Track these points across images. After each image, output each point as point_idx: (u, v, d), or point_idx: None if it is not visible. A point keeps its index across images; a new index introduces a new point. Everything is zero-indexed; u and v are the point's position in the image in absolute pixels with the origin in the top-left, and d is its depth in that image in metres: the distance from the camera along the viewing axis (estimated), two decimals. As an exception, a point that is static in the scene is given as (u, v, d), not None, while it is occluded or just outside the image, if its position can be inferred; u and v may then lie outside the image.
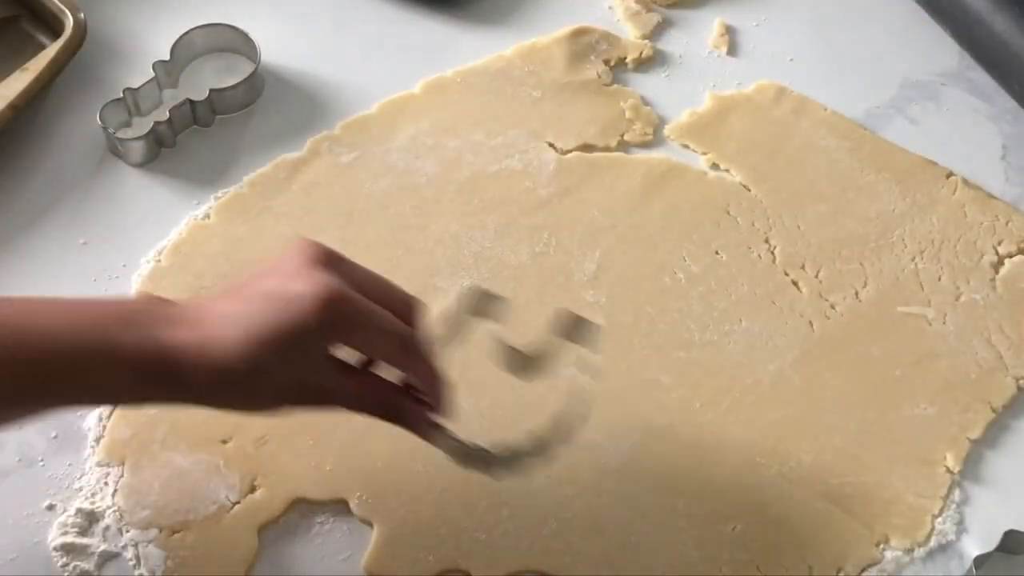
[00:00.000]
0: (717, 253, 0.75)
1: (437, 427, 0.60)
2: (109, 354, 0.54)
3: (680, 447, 0.68)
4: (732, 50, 0.85)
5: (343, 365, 0.59)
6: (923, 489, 0.68)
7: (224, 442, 0.66)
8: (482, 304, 0.63)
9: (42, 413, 0.57)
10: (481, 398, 0.66)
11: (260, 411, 0.58)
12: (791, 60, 0.85)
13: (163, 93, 0.78)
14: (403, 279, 0.72)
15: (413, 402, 0.60)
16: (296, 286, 0.55)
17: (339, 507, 0.65)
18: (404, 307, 0.60)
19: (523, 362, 0.63)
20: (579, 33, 0.84)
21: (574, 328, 0.63)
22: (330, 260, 0.58)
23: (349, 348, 0.58)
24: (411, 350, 0.58)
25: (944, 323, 0.73)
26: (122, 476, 0.65)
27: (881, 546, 0.66)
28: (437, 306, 0.71)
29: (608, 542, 0.65)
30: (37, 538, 0.63)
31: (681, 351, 0.71)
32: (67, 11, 0.76)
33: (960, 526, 0.67)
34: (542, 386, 0.63)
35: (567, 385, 0.64)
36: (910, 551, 0.66)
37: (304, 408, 0.59)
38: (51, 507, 0.64)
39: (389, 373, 0.60)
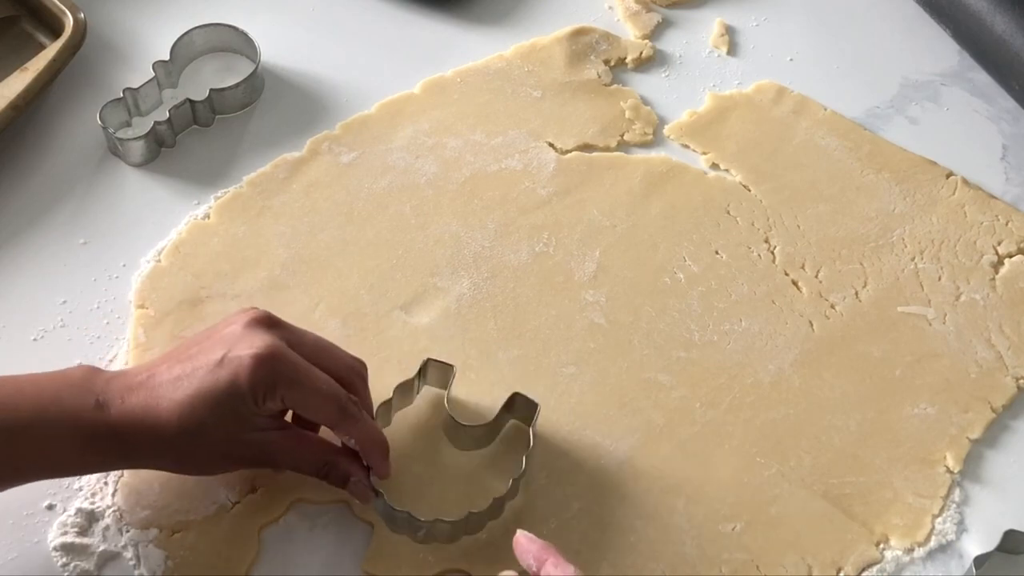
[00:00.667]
0: (717, 253, 0.75)
1: (373, 492, 0.62)
2: (72, 425, 0.57)
3: (680, 447, 0.68)
4: (732, 50, 0.85)
5: (283, 424, 0.61)
6: (923, 489, 0.68)
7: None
8: (435, 373, 0.66)
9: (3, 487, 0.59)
10: (426, 466, 0.66)
11: (202, 471, 0.62)
12: (791, 60, 0.85)
13: (163, 93, 0.78)
14: (403, 279, 0.73)
15: (353, 463, 0.62)
16: (236, 348, 0.58)
17: (339, 507, 0.65)
18: (347, 371, 0.62)
19: (468, 438, 0.66)
20: (579, 33, 0.84)
21: (524, 408, 0.66)
22: (272, 323, 0.60)
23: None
24: (348, 413, 0.60)
25: (944, 323, 0.73)
26: (122, 476, 0.65)
27: (881, 546, 0.66)
28: (438, 306, 0.72)
29: (608, 542, 0.65)
30: (37, 538, 0.63)
31: (681, 351, 0.71)
32: (67, 11, 0.76)
33: (960, 526, 0.67)
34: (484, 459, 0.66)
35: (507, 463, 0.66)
36: (910, 551, 0.66)
37: (246, 466, 0.62)
38: (51, 507, 0.64)
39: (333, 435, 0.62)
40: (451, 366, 0.66)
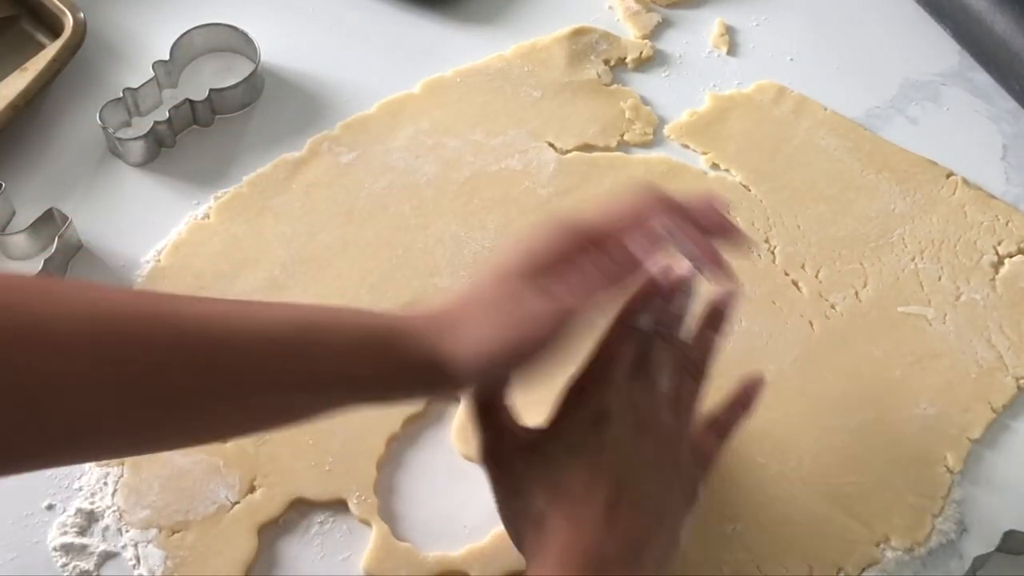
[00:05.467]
0: (717, 253, 0.75)
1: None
2: (399, 359, 0.54)
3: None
4: (732, 50, 0.85)
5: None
6: (923, 489, 0.67)
7: (224, 442, 0.66)
8: None
9: (321, 413, 0.55)
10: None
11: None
12: (791, 60, 0.85)
13: (163, 93, 0.78)
14: (403, 279, 0.73)
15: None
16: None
17: (338, 507, 0.65)
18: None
19: None
20: (579, 33, 0.84)
21: None
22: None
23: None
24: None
25: (944, 323, 0.73)
26: (122, 476, 0.65)
27: (881, 546, 0.66)
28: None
29: (608, 542, 0.64)
30: (37, 538, 0.63)
31: (681, 351, 0.71)
32: (67, 11, 0.77)
33: (960, 526, 0.67)
34: None
35: None
36: (910, 551, 0.66)
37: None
38: (51, 507, 0.64)
39: None
40: None
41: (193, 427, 0.53)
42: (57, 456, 0.52)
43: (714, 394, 0.69)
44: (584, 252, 0.56)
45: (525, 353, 0.54)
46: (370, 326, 0.54)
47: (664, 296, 0.60)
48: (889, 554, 0.66)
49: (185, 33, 0.79)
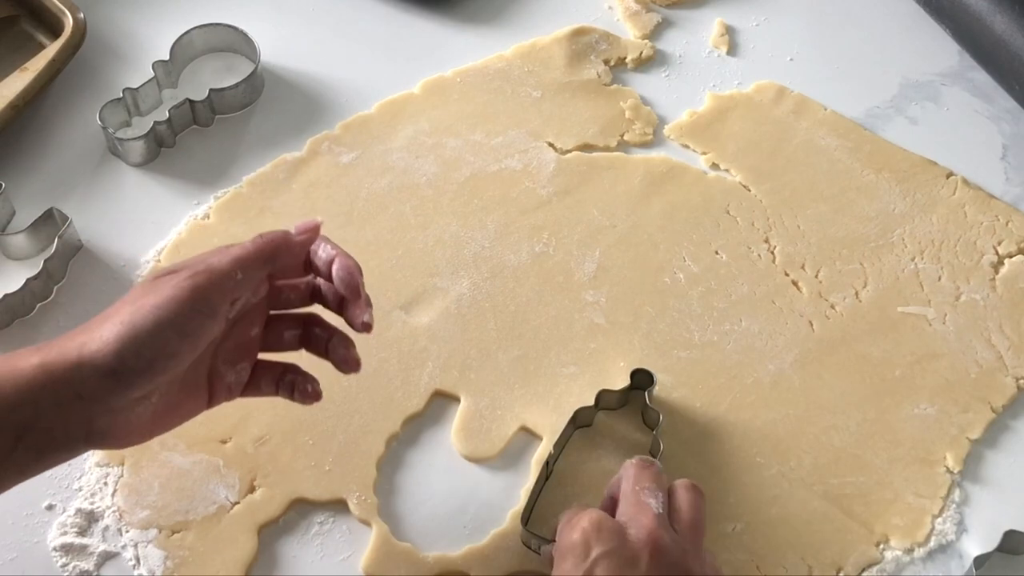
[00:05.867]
0: (717, 253, 0.75)
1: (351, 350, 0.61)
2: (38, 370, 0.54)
3: (680, 447, 0.68)
4: (732, 50, 0.85)
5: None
6: (923, 489, 0.67)
7: (223, 442, 0.66)
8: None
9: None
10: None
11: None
12: (791, 60, 0.85)
13: (163, 93, 0.78)
14: (403, 279, 0.73)
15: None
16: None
17: (338, 507, 0.65)
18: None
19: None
20: (579, 33, 0.84)
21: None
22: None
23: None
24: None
25: (944, 323, 0.73)
26: (121, 476, 0.65)
27: (881, 546, 0.66)
28: (438, 306, 0.72)
29: (608, 542, 0.64)
30: (37, 538, 0.63)
31: (681, 351, 0.71)
32: (67, 11, 0.77)
33: (960, 526, 0.67)
34: None
35: None
36: (910, 551, 0.66)
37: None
38: (51, 507, 0.64)
39: None
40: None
41: None
42: None
43: (715, 394, 0.70)
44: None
45: (159, 316, 0.54)
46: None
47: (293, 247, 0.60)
48: (889, 554, 0.66)
49: (185, 33, 0.79)
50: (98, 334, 0.54)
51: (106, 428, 0.55)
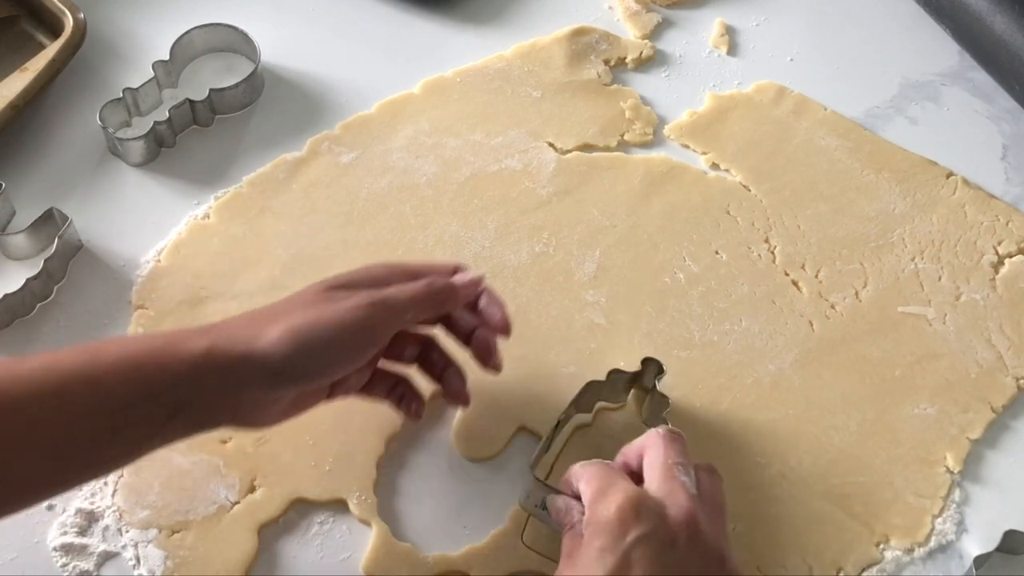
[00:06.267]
0: (717, 253, 0.75)
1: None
2: (206, 359, 0.56)
3: (680, 447, 0.68)
4: (732, 50, 0.85)
5: None
6: (923, 489, 0.67)
7: (224, 442, 0.66)
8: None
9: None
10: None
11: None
12: (791, 60, 0.85)
13: (163, 93, 0.78)
14: (403, 279, 0.72)
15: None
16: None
17: (338, 507, 0.65)
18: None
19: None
20: (579, 33, 0.84)
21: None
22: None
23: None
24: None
25: (944, 323, 0.73)
26: (122, 476, 0.65)
27: (881, 546, 0.66)
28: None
29: (608, 542, 0.64)
30: (37, 538, 0.63)
31: (681, 351, 0.71)
32: (67, 11, 0.77)
33: (960, 526, 0.67)
34: None
35: None
36: (910, 551, 0.66)
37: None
38: (51, 507, 0.64)
39: None
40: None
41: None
42: None
43: (715, 394, 0.70)
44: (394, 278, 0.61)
45: (333, 335, 0.57)
46: (160, 338, 0.57)
47: (459, 296, 0.63)
48: (889, 554, 0.66)
49: (185, 33, 0.79)
50: (269, 333, 0.56)
51: (249, 413, 0.58)
